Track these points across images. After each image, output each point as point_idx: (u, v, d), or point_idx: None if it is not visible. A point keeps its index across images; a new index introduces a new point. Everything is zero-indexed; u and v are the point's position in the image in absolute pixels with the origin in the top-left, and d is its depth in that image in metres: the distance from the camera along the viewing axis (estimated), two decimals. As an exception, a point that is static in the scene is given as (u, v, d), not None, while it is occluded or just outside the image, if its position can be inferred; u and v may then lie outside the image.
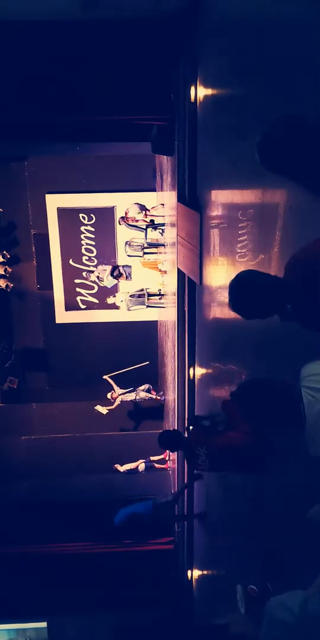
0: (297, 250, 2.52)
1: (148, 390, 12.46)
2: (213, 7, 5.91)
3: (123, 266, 12.44)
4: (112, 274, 12.42)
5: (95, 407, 12.36)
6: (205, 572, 7.93)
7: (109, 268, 12.58)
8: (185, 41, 7.22)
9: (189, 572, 9.13)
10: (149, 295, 11.94)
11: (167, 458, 11.74)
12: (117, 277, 12.43)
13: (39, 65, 7.75)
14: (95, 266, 13.17)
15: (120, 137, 9.07)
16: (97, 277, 12.81)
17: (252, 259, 4.45)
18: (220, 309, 6.06)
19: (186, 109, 7.31)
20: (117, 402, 12.33)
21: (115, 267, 12.53)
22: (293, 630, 2.01)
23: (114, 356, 13.10)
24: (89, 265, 13.50)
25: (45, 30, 7.42)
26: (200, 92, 6.72)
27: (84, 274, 13.17)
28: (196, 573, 8.76)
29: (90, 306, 13.56)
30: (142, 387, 12.46)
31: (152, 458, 11.86)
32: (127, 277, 12.35)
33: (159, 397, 12.38)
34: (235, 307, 2.51)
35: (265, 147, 2.26)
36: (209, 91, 6.25)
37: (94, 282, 13.07)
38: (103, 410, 12.32)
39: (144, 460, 11.84)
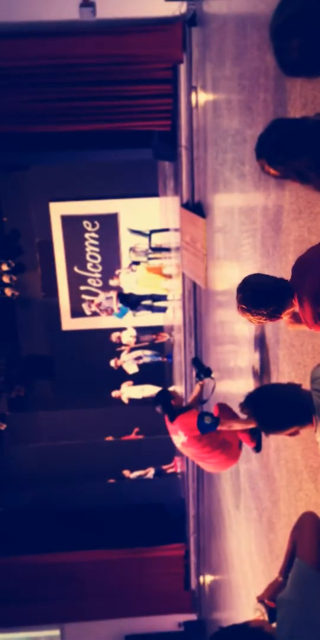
0: (304, 252, 2.55)
1: (155, 355, 12.27)
2: (213, 14, 5.92)
3: (129, 294, 12.15)
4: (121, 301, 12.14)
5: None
6: (217, 577, 7.90)
7: (114, 295, 12.38)
8: (186, 47, 7.24)
9: (201, 577, 9.11)
10: (154, 300, 11.93)
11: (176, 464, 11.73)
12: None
13: (40, 73, 7.78)
14: (100, 289, 13.13)
15: (122, 144, 9.09)
16: (100, 304, 12.62)
17: (256, 263, 4.44)
18: (226, 312, 6.06)
19: (187, 114, 7.33)
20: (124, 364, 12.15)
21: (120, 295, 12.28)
22: None
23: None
24: (93, 272, 13.53)
25: (46, 36, 7.45)
26: (201, 97, 6.73)
27: (84, 304, 13.01)
28: (208, 578, 8.73)
29: (96, 313, 13.58)
30: (149, 352, 12.29)
31: (163, 467, 11.83)
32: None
33: (168, 338, 12.12)
34: (243, 310, 2.53)
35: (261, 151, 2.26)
36: (210, 96, 6.25)
37: (98, 307, 12.82)
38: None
39: (153, 466, 11.82)
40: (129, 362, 12.25)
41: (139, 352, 12.31)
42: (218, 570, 7.58)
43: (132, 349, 12.44)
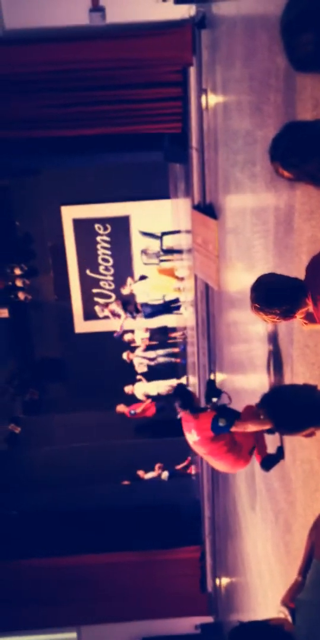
0: (317, 252, 2.55)
1: (168, 354, 12.22)
2: (223, 16, 5.93)
3: (142, 304, 12.02)
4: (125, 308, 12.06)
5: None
6: (234, 579, 7.88)
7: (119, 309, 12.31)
8: (196, 49, 7.25)
9: (218, 579, 9.09)
10: (166, 301, 11.94)
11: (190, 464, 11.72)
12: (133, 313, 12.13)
13: (51, 78, 7.84)
14: (113, 291, 13.13)
15: (133, 146, 9.12)
16: (113, 311, 12.56)
17: (269, 263, 4.44)
18: (239, 313, 6.05)
19: (198, 116, 7.33)
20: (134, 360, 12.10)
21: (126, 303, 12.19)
22: None
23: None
24: (105, 275, 13.58)
25: (57, 42, 7.51)
26: (211, 99, 6.74)
27: (97, 307, 12.96)
28: (225, 580, 8.72)
29: (108, 314, 13.62)
30: (162, 351, 12.25)
31: (177, 467, 11.80)
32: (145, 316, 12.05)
33: (177, 350, 12.09)
34: (257, 309, 2.54)
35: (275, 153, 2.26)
36: (220, 98, 6.26)
37: (111, 312, 12.72)
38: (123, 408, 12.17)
39: (167, 471, 11.80)
40: (139, 359, 12.22)
41: (152, 353, 12.29)
42: (234, 572, 7.57)
43: (146, 349, 12.41)
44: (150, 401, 11.89)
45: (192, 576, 9.66)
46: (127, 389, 12.13)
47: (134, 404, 12.00)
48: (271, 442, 4.67)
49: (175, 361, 12.36)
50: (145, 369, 12.28)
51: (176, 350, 12.31)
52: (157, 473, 11.76)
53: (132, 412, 11.91)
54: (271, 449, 4.63)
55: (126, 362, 12.35)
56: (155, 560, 9.60)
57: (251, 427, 4.44)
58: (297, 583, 2.31)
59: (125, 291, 12.20)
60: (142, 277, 12.08)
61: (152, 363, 12.27)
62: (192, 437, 4.65)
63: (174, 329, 12.68)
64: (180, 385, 5.07)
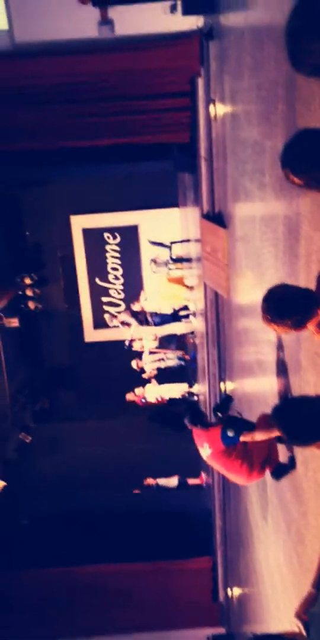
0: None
1: (177, 358, 12.16)
2: (230, 27, 5.96)
3: (151, 313, 11.97)
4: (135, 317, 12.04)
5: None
6: (246, 590, 7.82)
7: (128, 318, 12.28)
8: (204, 60, 7.29)
9: (229, 590, 9.02)
10: (176, 310, 11.94)
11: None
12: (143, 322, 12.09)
13: (61, 90, 7.92)
14: (122, 300, 13.12)
15: (142, 156, 9.18)
16: (123, 321, 12.54)
17: (278, 272, 4.43)
18: (249, 321, 6.04)
19: (206, 126, 7.36)
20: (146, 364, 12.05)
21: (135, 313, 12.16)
22: None
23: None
24: (115, 284, 13.63)
25: (66, 54, 7.58)
26: (220, 109, 6.76)
27: (106, 315, 12.95)
28: (237, 591, 8.65)
29: (118, 325, 13.64)
30: (172, 354, 12.18)
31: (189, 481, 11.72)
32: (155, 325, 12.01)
33: (187, 357, 12.05)
34: (268, 320, 2.54)
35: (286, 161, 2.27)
36: (228, 108, 6.28)
37: (121, 322, 12.69)
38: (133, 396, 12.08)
39: (177, 476, 11.75)
40: (149, 364, 12.18)
41: (161, 355, 12.24)
42: (246, 583, 7.51)
43: (153, 352, 12.33)
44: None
45: (203, 586, 9.60)
46: (138, 391, 12.03)
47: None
48: (282, 451, 4.64)
49: (184, 363, 12.26)
50: (155, 372, 12.22)
51: (186, 356, 12.26)
52: (168, 481, 11.70)
53: (143, 400, 11.84)
54: (282, 457, 4.61)
55: (136, 371, 12.33)
56: (166, 570, 9.56)
57: (259, 436, 4.43)
58: (311, 595, 2.30)
59: (136, 307, 12.17)
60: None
61: (162, 366, 12.20)
62: (205, 451, 4.69)
63: (183, 335, 12.65)
64: (190, 402, 5.16)
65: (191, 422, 4.68)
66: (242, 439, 4.46)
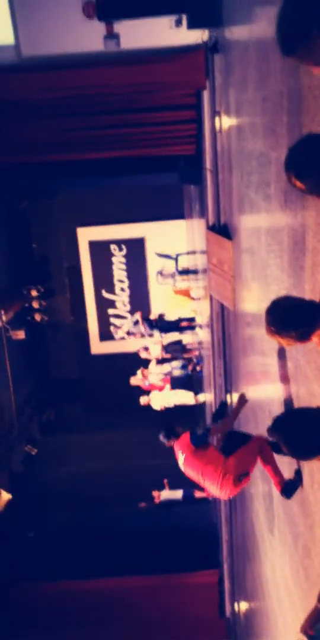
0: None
1: (183, 367, 12.12)
2: (235, 40, 6.00)
3: (156, 320, 11.96)
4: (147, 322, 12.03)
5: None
6: (253, 604, 7.73)
7: (139, 317, 12.23)
8: (209, 73, 7.34)
9: (236, 604, 8.92)
10: (181, 320, 11.93)
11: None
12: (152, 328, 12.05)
13: (67, 103, 7.99)
14: (128, 312, 13.11)
15: (147, 168, 9.22)
16: (128, 332, 12.49)
17: (284, 283, 4.42)
18: (254, 333, 6.02)
19: (211, 138, 7.39)
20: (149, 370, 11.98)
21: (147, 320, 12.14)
22: None
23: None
24: (121, 295, 13.65)
25: (72, 68, 7.65)
26: (225, 121, 6.79)
27: (112, 328, 12.92)
28: (243, 605, 8.55)
29: (124, 336, 13.65)
30: (176, 364, 12.13)
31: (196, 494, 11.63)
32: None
33: (198, 368, 11.98)
34: (272, 331, 2.52)
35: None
36: (234, 120, 6.31)
37: (127, 334, 12.64)
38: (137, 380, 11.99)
39: (182, 489, 11.66)
40: (155, 374, 12.13)
41: (167, 367, 12.21)
42: (253, 597, 7.43)
43: (159, 362, 12.30)
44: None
45: (210, 600, 9.51)
46: (143, 400, 11.96)
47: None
48: (283, 465, 4.60)
49: (190, 372, 12.21)
50: (161, 377, 12.16)
51: (191, 363, 12.20)
52: (174, 494, 11.62)
53: (146, 382, 11.77)
54: (288, 473, 4.56)
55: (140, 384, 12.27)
56: (173, 585, 9.48)
57: (228, 425, 4.71)
58: (316, 610, 2.27)
59: (143, 355, 12.12)
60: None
61: (168, 376, 12.14)
62: (180, 460, 4.76)
63: (189, 344, 12.62)
64: (168, 422, 5.23)
65: (165, 437, 4.85)
66: (212, 432, 4.66)
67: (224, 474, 4.53)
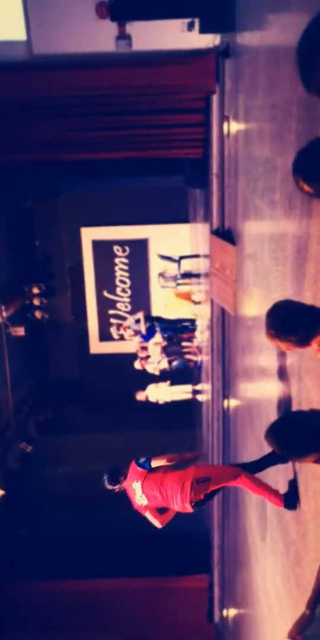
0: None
1: (183, 365, 12.03)
2: (246, 45, 6.02)
3: (156, 320, 11.85)
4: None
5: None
6: (242, 611, 7.70)
7: (141, 317, 12.18)
8: (219, 77, 7.35)
9: (225, 611, 8.90)
10: (182, 322, 11.88)
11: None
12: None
13: (76, 103, 8.00)
14: (129, 313, 13.08)
15: (153, 170, 9.24)
16: (128, 328, 12.39)
17: (286, 290, 4.42)
18: (254, 338, 6.02)
19: (219, 143, 7.41)
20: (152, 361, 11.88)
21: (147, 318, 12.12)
22: None
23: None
24: (122, 296, 13.65)
25: (83, 68, 7.66)
26: (233, 126, 6.81)
27: (112, 328, 12.86)
28: (232, 612, 8.52)
29: (124, 337, 13.64)
30: (177, 362, 12.04)
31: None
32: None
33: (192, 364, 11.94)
34: (272, 335, 2.52)
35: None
36: (242, 125, 6.32)
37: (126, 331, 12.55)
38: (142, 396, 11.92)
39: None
40: (153, 365, 12.04)
41: (165, 363, 12.11)
42: (243, 604, 7.40)
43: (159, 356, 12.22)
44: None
45: (199, 606, 9.47)
46: (139, 396, 11.88)
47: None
48: (278, 478, 4.59)
49: (190, 365, 12.13)
50: (158, 374, 12.09)
51: (191, 357, 12.12)
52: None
53: (144, 356, 11.69)
54: (283, 487, 4.52)
55: (139, 370, 12.12)
56: (163, 588, 9.45)
57: (165, 460, 4.76)
58: (304, 616, 2.26)
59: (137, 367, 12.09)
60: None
61: (167, 366, 12.05)
62: (138, 491, 4.84)
63: (189, 339, 12.52)
64: (111, 467, 5.25)
65: (110, 482, 4.97)
66: (153, 461, 4.77)
67: (185, 478, 4.63)
